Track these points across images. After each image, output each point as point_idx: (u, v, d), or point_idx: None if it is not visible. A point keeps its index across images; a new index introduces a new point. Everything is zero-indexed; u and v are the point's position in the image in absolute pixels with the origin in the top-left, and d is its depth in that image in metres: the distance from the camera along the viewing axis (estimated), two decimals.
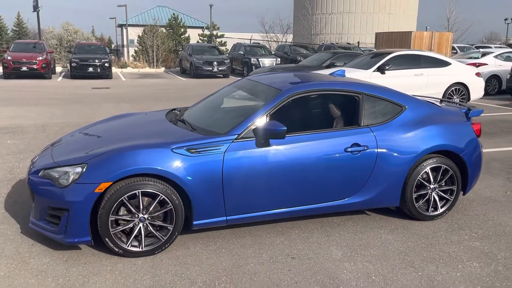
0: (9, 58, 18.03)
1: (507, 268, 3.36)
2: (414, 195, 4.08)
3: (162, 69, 25.75)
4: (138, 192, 3.30)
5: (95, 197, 3.23)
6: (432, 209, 4.18)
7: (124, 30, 41.38)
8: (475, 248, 3.67)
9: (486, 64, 14.29)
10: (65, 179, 3.31)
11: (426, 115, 4.18)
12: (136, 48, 33.91)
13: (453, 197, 4.23)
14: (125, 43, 42.05)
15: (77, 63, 19.05)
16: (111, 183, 3.24)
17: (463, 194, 4.46)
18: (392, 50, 11.26)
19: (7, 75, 18.17)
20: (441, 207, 4.21)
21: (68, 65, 22.48)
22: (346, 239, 3.80)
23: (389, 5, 39.08)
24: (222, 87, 4.96)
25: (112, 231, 3.30)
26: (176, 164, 3.36)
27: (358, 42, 30.94)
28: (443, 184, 4.18)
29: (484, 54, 15.20)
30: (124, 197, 3.28)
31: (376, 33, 25.57)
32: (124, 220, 3.35)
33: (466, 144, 4.22)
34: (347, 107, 4.15)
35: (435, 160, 4.09)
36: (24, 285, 3.01)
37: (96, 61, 19.18)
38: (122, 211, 3.35)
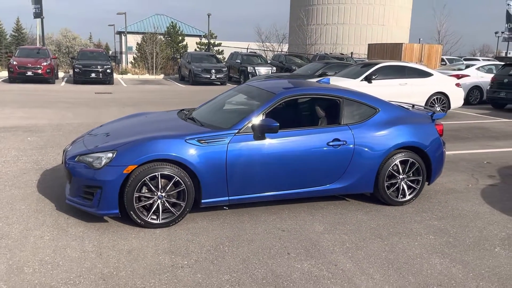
0: (14, 63, 18.78)
1: (456, 239, 4.14)
2: (386, 184, 4.86)
3: (162, 76, 26.55)
4: (158, 174, 4.06)
5: (123, 177, 3.99)
6: (401, 196, 4.96)
7: (123, 37, 42.30)
8: (433, 226, 4.45)
9: (469, 76, 15.20)
10: (98, 163, 4.07)
11: (396, 116, 4.98)
12: (134, 55, 34.77)
13: (419, 186, 5.02)
14: (123, 49, 42.93)
15: (80, 69, 19.84)
16: (136, 166, 4.00)
17: (428, 184, 5.26)
18: (379, 61, 12.13)
19: (12, 79, 18.90)
20: (409, 194, 5.00)
21: (71, 70, 23.28)
22: (328, 218, 4.58)
23: (382, 17, 40.18)
24: (224, 91, 5.75)
25: (136, 206, 4.06)
26: (189, 152, 4.12)
27: (352, 52, 31.91)
28: (411, 175, 4.97)
29: (467, 66, 16.12)
30: (146, 178, 4.04)
31: (368, 44, 26.56)
32: (145, 197, 4.11)
33: (430, 142, 5.01)
34: (329, 109, 4.95)
35: (403, 155, 4.88)
36: (67, 245, 3.75)
37: (99, 67, 19.97)
38: (144, 189, 4.11)
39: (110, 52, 52.87)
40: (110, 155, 4.08)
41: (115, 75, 23.95)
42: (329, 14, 40.61)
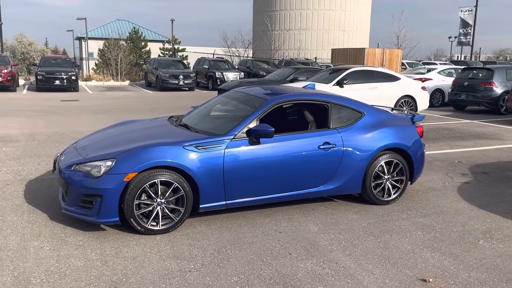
0: None
1: (442, 234, 4.40)
2: (373, 184, 5.09)
3: (127, 82, 26.17)
4: (158, 181, 4.10)
5: (123, 185, 4.01)
6: (387, 195, 5.20)
7: (83, 43, 41.35)
8: (419, 222, 4.71)
9: (431, 79, 15.91)
10: (97, 171, 4.07)
11: (380, 119, 5.22)
12: (96, 61, 34.08)
13: (403, 186, 5.28)
14: (84, 56, 41.94)
15: (44, 76, 19.30)
16: (136, 173, 4.03)
17: (411, 183, 5.54)
18: (349, 66, 12.53)
19: None
20: (394, 193, 5.24)
21: (31, 77, 22.58)
22: (320, 218, 4.75)
23: (343, 23, 41.27)
24: (211, 98, 5.84)
25: (136, 213, 4.08)
26: (187, 158, 4.19)
27: (316, 57, 32.57)
28: (395, 175, 5.22)
29: (429, 70, 16.86)
30: (146, 185, 4.07)
31: (332, 49, 27.22)
32: (145, 204, 4.14)
33: (412, 143, 5.29)
34: (319, 113, 5.14)
35: (388, 156, 5.13)
36: (69, 255, 3.74)
37: (63, 74, 19.50)
38: (144, 196, 4.14)
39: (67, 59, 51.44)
40: (109, 163, 4.08)
41: (79, 82, 23.43)
42: (292, 19, 41.32)
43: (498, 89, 13.50)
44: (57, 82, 19.34)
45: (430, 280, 3.49)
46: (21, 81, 23.73)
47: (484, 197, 5.57)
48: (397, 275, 3.56)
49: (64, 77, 19.44)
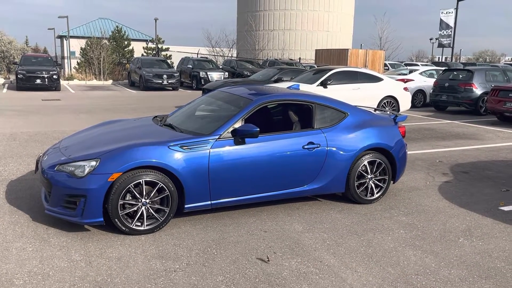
0: None
1: (424, 233, 4.49)
2: (356, 183, 5.15)
3: (110, 81, 25.90)
4: (142, 181, 4.09)
5: (108, 185, 3.99)
6: (370, 194, 5.27)
7: (65, 42, 40.76)
8: (402, 221, 4.79)
9: (413, 80, 16.14)
10: (81, 171, 4.03)
11: (363, 120, 5.29)
12: (78, 60, 33.65)
13: (385, 185, 5.36)
14: (65, 54, 41.36)
15: (24, 75, 18.99)
16: (121, 173, 4.01)
17: (393, 183, 5.63)
18: (333, 66, 12.63)
19: None
20: (377, 193, 5.32)
21: (13, 76, 22.18)
22: (305, 217, 4.79)
23: (327, 24, 41.52)
24: (197, 97, 5.84)
25: (120, 213, 4.06)
26: (172, 158, 4.19)
27: (300, 58, 32.74)
28: (378, 174, 5.30)
29: (411, 71, 17.10)
30: (131, 185, 4.06)
31: (316, 50, 27.41)
32: (130, 204, 4.12)
33: (395, 143, 5.37)
34: (303, 114, 5.18)
35: (371, 156, 5.20)
36: (53, 256, 3.70)
37: (44, 73, 19.21)
38: (128, 196, 4.12)
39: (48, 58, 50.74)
40: (93, 163, 4.05)
41: (61, 81, 23.10)
42: (276, 20, 41.41)
43: (478, 90, 13.77)
44: (38, 81, 19.05)
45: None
46: (1, 80, 23.31)
47: (464, 196, 5.69)
48: (380, 273, 3.62)
49: (46, 76, 19.16)
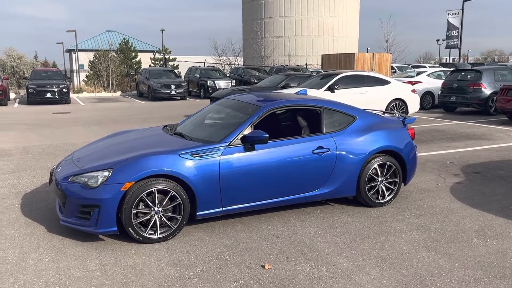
0: None
1: (436, 234, 4.48)
2: (367, 187, 5.16)
3: (119, 93, 26.17)
4: (154, 189, 4.14)
5: (121, 194, 4.04)
6: (381, 197, 5.27)
7: (73, 55, 41.28)
8: (414, 223, 4.78)
9: (421, 82, 16.09)
10: (94, 182, 4.10)
11: (372, 123, 5.31)
12: (87, 73, 34.06)
13: (396, 187, 5.35)
14: (74, 68, 41.88)
15: (35, 89, 19.27)
16: (133, 182, 4.06)
17: (404, 185, 5.62)
18: (340, 71, 12.66)
19: None
20: (388, 195, 5.32)
21: (22, 91, 22.51)
22: (317, 222, 4.80)
23: (332, 29, 41.61)
24: (206, 106, 5.90)
25: (134, 222, 4.11)
26: (183, 166, 4.23)
27: (306, 63, 32.80)
28: (388, 177, 5.30)
29: (418, 73, 17.06)
30: (143, 194, 4.11)
31: (322, 55, 27.43)
32: (143, 213, 4.17)
33: (404, 145, 5.37)
34: (312, 118, 5.21)
35: (381, 158, 5.20)
36: (69, 266, 3.75)
37: (54, 86, 19.48)
38: (141, 205, 4.17)
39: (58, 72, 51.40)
40: (106, 173, 4.11)
41: (71, 94, 23.39)
42: (281, 27, 41.59)
43: (487, 90, 13.69)
44: (49, 94, 19.31)
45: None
46: (12, 95, 23.65)
47: (476, 197, 5.66)
48: (393, 275, 3.62)
49: (56, 89, 19.41)
